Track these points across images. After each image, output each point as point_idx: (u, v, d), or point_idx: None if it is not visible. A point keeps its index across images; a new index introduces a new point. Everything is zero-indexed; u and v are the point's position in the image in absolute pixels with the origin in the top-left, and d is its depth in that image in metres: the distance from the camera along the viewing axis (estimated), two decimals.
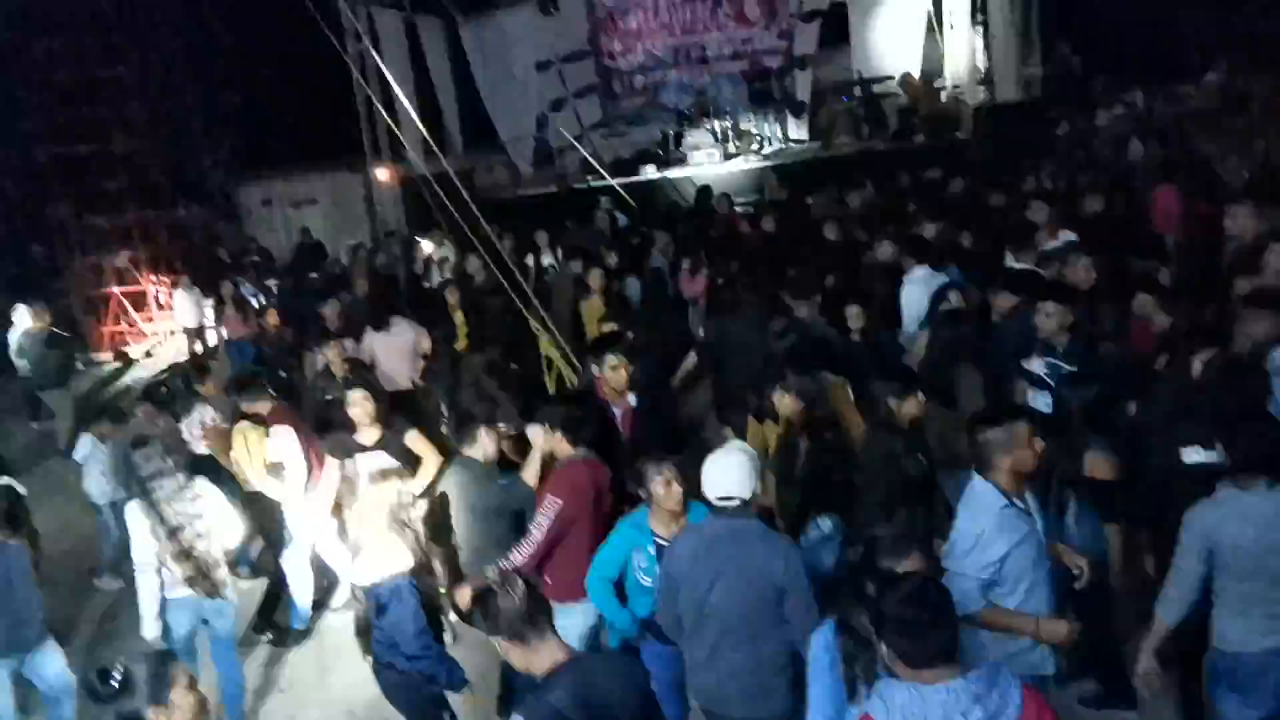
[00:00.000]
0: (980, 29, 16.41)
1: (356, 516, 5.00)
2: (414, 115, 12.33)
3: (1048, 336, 5.27)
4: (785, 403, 4.90)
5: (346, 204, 17.33)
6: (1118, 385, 5.01)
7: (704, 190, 13.39)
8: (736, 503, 3.73)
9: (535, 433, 5.02)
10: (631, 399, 5.56)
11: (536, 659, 2.97)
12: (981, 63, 16.51)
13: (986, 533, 3.45)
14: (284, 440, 6.12)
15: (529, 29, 18.09)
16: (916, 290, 6.94)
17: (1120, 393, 4.98)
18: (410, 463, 5.56)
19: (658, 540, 4.07)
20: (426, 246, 12.88)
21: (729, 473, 3.75)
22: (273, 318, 10.12)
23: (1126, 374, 5.20)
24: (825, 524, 4.60)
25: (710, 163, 16.04)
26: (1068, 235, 7.37)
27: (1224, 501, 3.58)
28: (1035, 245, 7.20)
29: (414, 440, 5.79)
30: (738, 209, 12.29)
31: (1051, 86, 16.00)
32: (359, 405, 5.74)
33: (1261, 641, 3.53)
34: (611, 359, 5.47)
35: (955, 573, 3.43)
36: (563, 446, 4.66)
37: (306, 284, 12.06)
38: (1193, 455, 4.21)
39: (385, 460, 5.20)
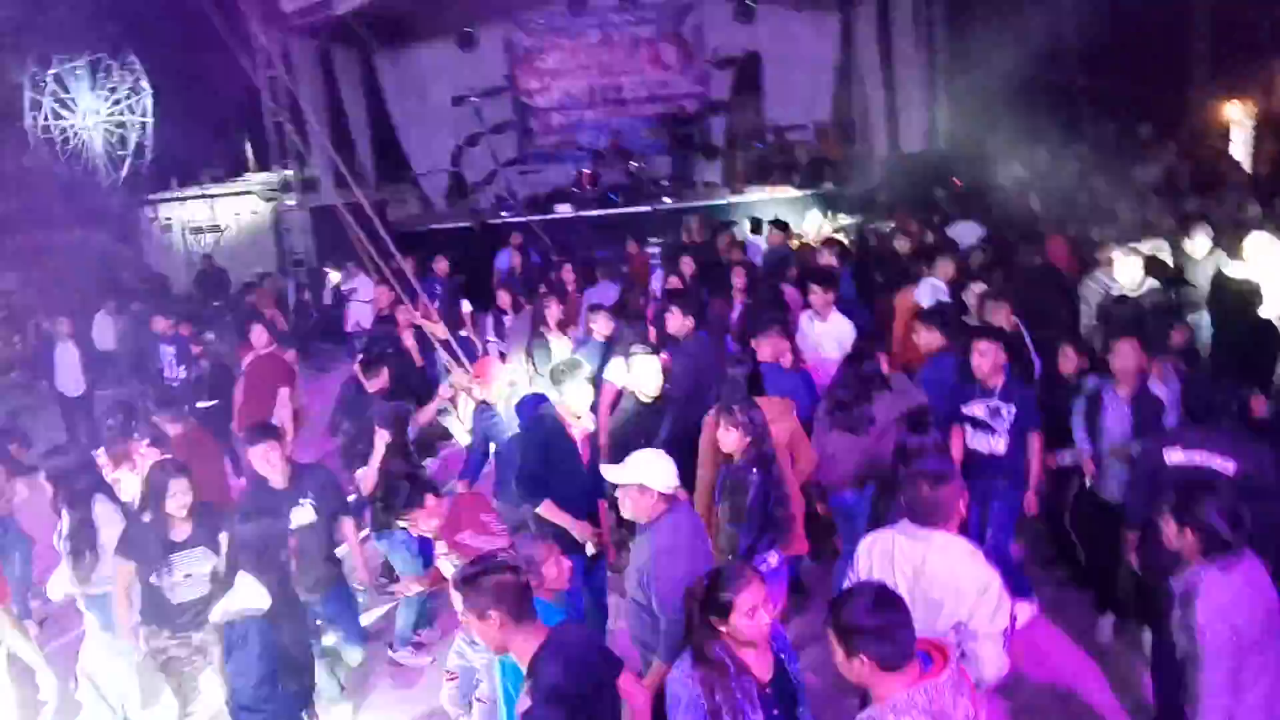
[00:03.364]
0: (887, 82, 16.96)
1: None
2: (327, 143, 12.11)
3: (983, 377, 5.32)
4: (730, 437, 4.64)
5: (252, 231, 16.86)
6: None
7: None
8: None
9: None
10: (590, 423, 5.50)
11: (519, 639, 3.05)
12: (887, 114, 17.04)
13: None
14: None
15: (446, 63, 18.06)
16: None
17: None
18: None
19: None
20: (334, 277, 12.64)
21: None
22: None
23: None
24: (773, 558, 4.56)
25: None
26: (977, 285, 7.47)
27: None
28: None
29: None
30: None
31: (955, 140, 16.59)
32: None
33: None
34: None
35: None
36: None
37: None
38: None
39: None
